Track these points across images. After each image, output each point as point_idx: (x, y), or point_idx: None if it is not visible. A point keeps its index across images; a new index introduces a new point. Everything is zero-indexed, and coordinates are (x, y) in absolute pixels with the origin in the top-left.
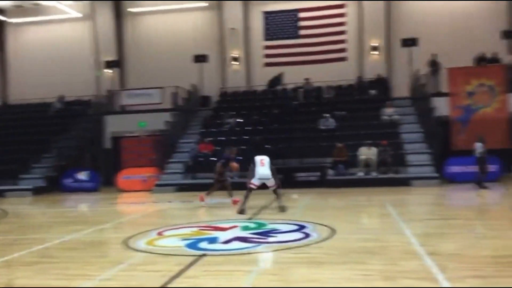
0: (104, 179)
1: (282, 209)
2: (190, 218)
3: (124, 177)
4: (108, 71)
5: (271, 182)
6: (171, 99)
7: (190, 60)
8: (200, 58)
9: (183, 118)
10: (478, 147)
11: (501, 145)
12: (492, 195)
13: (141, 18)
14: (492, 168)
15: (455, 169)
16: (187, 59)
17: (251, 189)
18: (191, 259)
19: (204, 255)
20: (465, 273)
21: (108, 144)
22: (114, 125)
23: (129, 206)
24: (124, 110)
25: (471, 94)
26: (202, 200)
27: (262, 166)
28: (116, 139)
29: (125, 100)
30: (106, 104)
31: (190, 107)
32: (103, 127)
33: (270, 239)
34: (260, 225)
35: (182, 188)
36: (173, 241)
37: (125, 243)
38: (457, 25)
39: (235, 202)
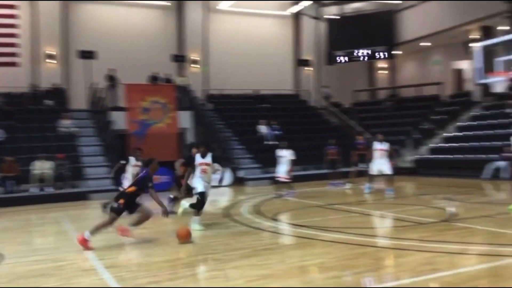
0: None
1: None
2: None
3: None
4: None
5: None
6: None
7: None
8: None
9: None
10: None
11: (171, 157)
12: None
13: None
14: (165, 179)
15: None
16: None
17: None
18: None
19: None
20: (142, 281)
21: None
22: None
23: None
24: None
25: (146, 110)
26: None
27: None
28: None
29: None
30: None
31: None
32: None
33: None
34: None
35: None
36: None
37: None
38: (134, 44)
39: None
